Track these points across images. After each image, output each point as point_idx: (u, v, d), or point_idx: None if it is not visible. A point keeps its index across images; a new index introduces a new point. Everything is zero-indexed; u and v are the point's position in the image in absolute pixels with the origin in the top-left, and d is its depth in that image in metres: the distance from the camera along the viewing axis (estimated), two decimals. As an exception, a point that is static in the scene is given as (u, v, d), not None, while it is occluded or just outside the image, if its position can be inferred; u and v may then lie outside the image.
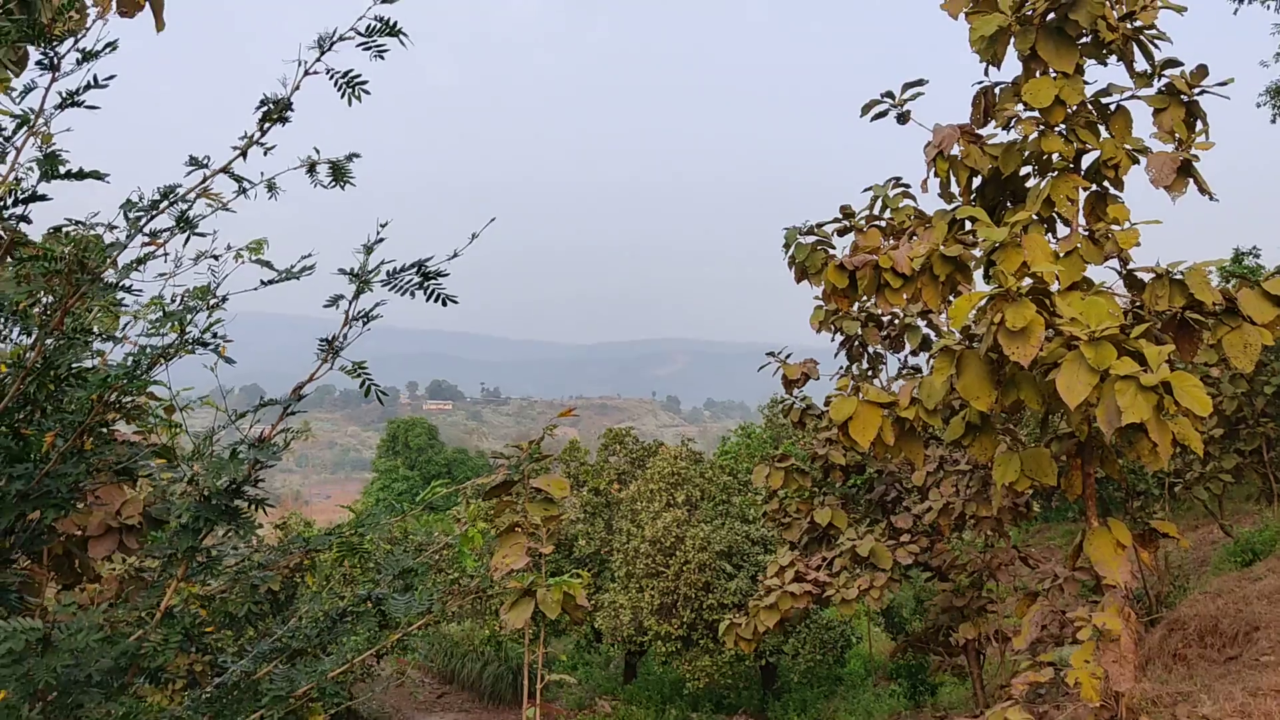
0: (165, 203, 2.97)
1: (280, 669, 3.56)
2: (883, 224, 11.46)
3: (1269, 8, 18.79)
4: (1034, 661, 9.84)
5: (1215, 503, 22.94)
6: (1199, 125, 9.50)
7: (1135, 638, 9.54)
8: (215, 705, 3.32)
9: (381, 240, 3.04)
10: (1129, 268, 9.57)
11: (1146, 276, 9.27)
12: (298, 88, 2.94)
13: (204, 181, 3.06)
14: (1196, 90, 9.42)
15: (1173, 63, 9.53)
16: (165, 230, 3.06)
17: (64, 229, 3.69)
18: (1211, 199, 9.25)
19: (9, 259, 3.44)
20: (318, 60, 2.90)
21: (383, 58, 2.96)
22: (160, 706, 3.54)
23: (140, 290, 3.08)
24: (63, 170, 2.94)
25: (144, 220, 2.95)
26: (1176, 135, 9.34)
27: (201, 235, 3.11)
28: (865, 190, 11.90)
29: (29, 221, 4.14)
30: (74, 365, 2.95)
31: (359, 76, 2.98)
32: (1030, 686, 9.86)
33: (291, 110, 2.98)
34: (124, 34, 3.16)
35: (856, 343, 15.83)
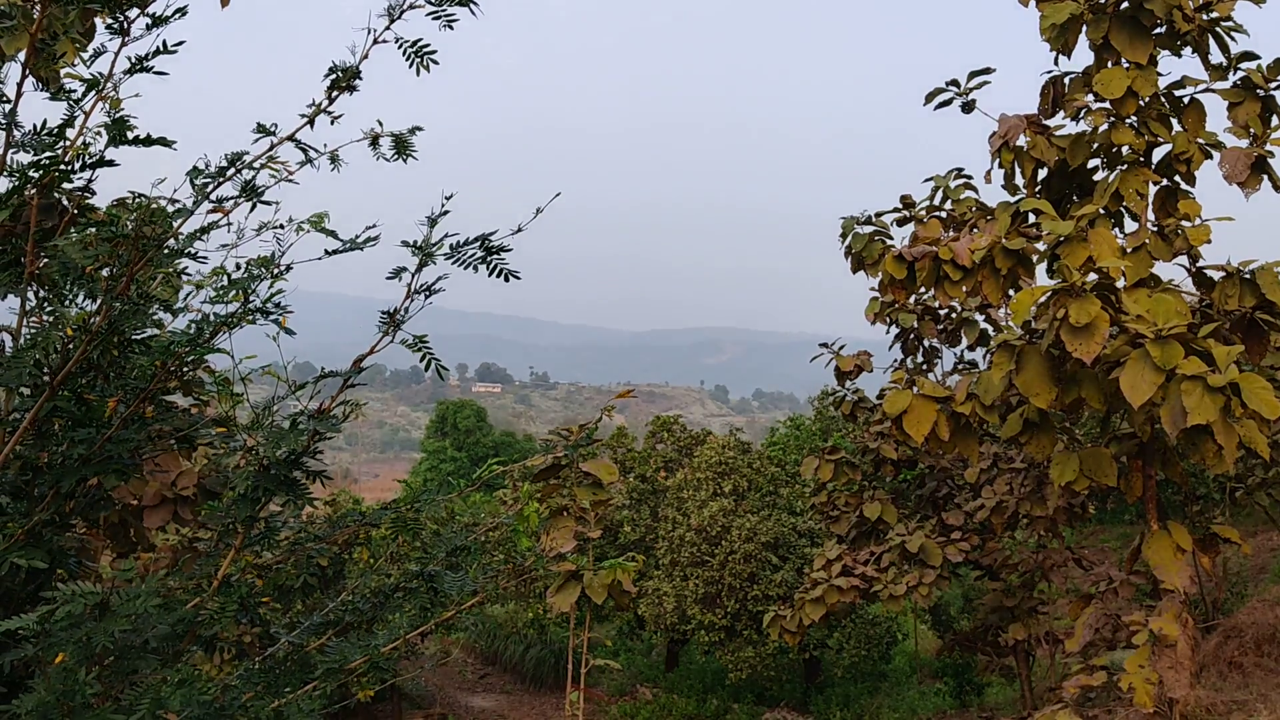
0: (232, 170, 2.96)
1: (332, 643, 3.56)
2: (943, 215, 11.29)
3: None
4: (1086, 664, 9.68)
5: (1277, 509, 22.39)
6: (1275, 120, 9.25)
7: (1192, 644, 9.34)
8: (267, 676, 3.33)
9: (446, 213, 3.01)
10: (1199, 265, 9.35)
11: (1216, 275, 9.05)
12: (366, 56, 2.92)
13: (271, 149, 3.05)
14: (1273, 85, 9.17)
15: (1249, 56, 9.28)
16: (231, 199, 3.06)
17: (127, 201, 3.71)
18: (1288, 196, 8.98)
19: (73, 226, 3.46)
20: (387, 28, 2.88)
21: (451, 27, 2.94)
22: (210, 676, 3.56)
23: (205, 258, 3.08)
24: (130, 136, 2.95)
25: (210, 187, 2.95)
26: (1251, 130, 9.10)
27: (267, 204, 3.10)
28: (926, 180, 11.72)
29: (94, 193, 4.18)
30: (138, 331, 2.97)
31: (428, 46, 2.95)
32: (1081, 690, 9.70)
33: (360, 79, 2.96)
34: (196, 11, 3.17)
35: (912, 336, 15.63)
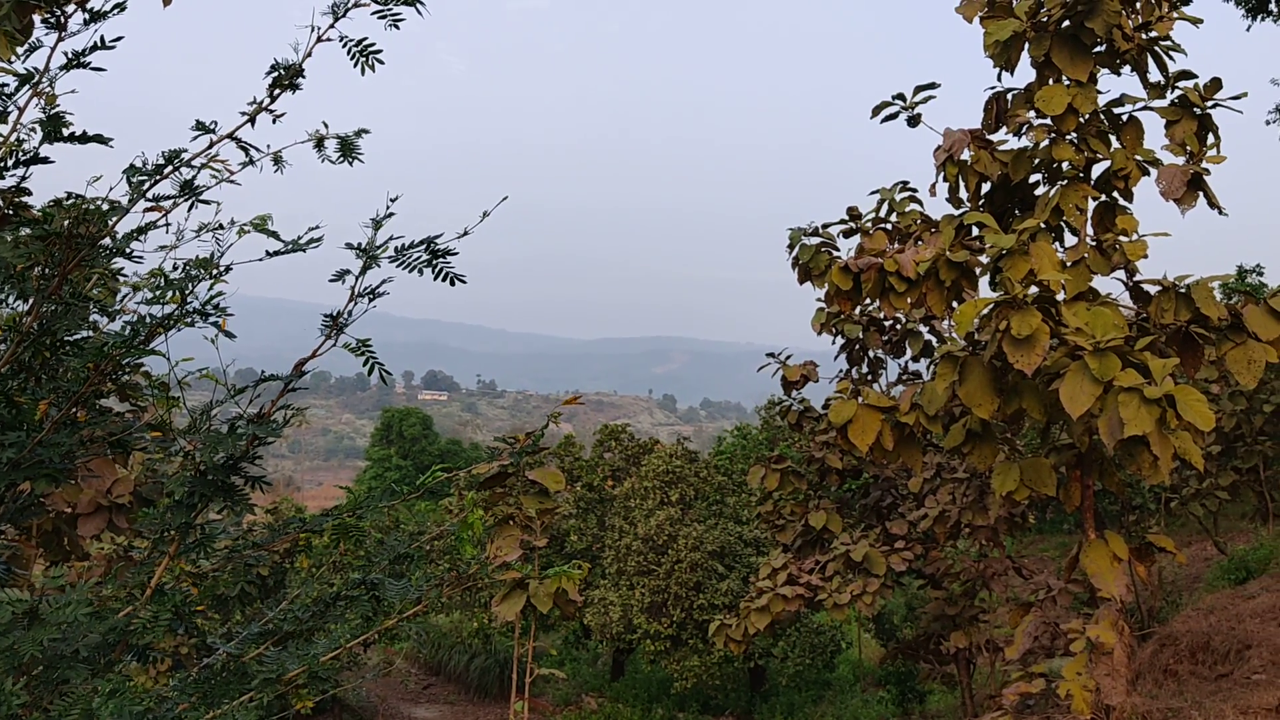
0: (170, 168, 2.90)
1: (270, 652, 3.49)
2: (889, 227, 11.42)
3: (1282, 26, 18.73)
4: (1025, 672, 9.80)
5: (1210, 519, 22.94)
6: (1210, 139, 9.46)
7: (1128, 652, 9.50)
8: (203, 686, 3.25)
9: (391, 215, 2.97)
10: (1135, 279, 9.53)
11: (1153, 289, 9.24)
12: (309, 54, 2.88)
13: (211, 146, 2.99)
14: (1209, 104, 9.37)
15: (1186, 75, 9.49)
16: (169, 198, 2.99)
17: (63, 201, 3.62)
18: (1221, 213, 9.20)
19: (6, 226, 3.37)
20: (331, 26, 2.84)
21: (398, 26, 2.90)
22: (144, 688, 3.47)
23: (141, 258, 3.01)
24: (66, 133, 2.88)
25: (148, 185, 2.88)
26: (1188, 148, 9.30)
27: (206, 204, 3.04)
28: (872, 193, 11.85)
29: (28, 192, 4.07)
30: (70, 333, 2.89)
31: (373, 45, 2.92)
32: (1020, 697, 9.82)
33: (303, 77, 2.91)
34: (137, 9, 3.10)
35: (857, 346, 15.78)
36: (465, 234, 2.89)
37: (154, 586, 3.02)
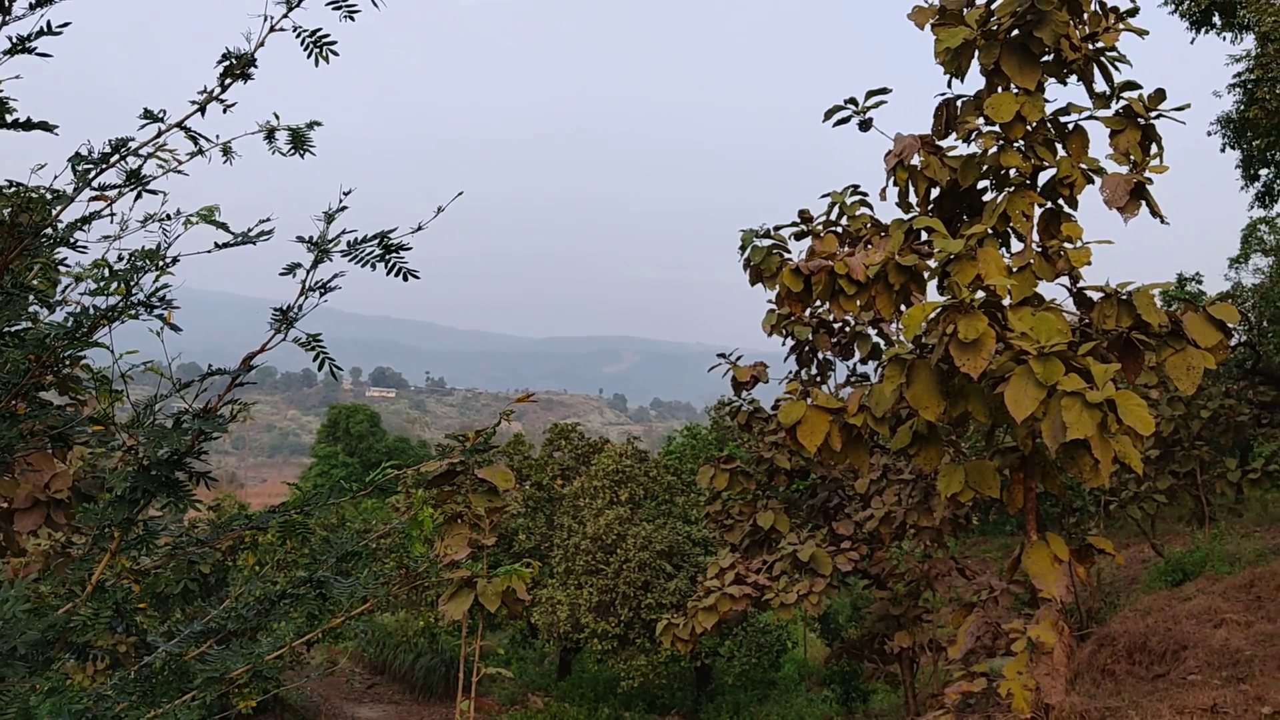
0: (116, 156, 2.84)
1: (213, 651, 3.44)
2: (839, 230, 11.51)
3: (1224, 39, 19.20)
4: (967, 671, 9.93)
5: (1148, 522, 23.42)
6: (1154, 149, 9.65)
7: (1067, 652, 9.67)
8: (143, 685, 3.19)
9: (344, 208, 2.94)
10: (1079, 286, 9.69)
11: (1096, 295, 9.40)
12: (262, 43, 2.83)
13: (159, 135, 2.93)
14: (1153, 114, 9.56)
15: (1131, 85, 9.67)
16: (114, 187, 2.93)
17: (4, 189, 3.53)
18: (1163, 222, 9.40)
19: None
20: (285, 15, 2.80)
21: (353, 18, 2.87)
22: (82, 686, 3.40)
23: (85, 248, 2.94)
24: (9, 119, 2.81)
25: (93, 173, 2.82)
26: (1131, 157, 9.48)
27: (153, 193, 2.98)
28: (823, 196, 11.94)
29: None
30: (10, 324, 2.82)
31: (327, 36, 2.88)
32: (962, 696, 9.95)
33: (255, 66, 2.87)
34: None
35: (807, 348, 15.89)
36: (420, 229, 2.87)
37: (95, 583, 2.96)
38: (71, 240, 2.86)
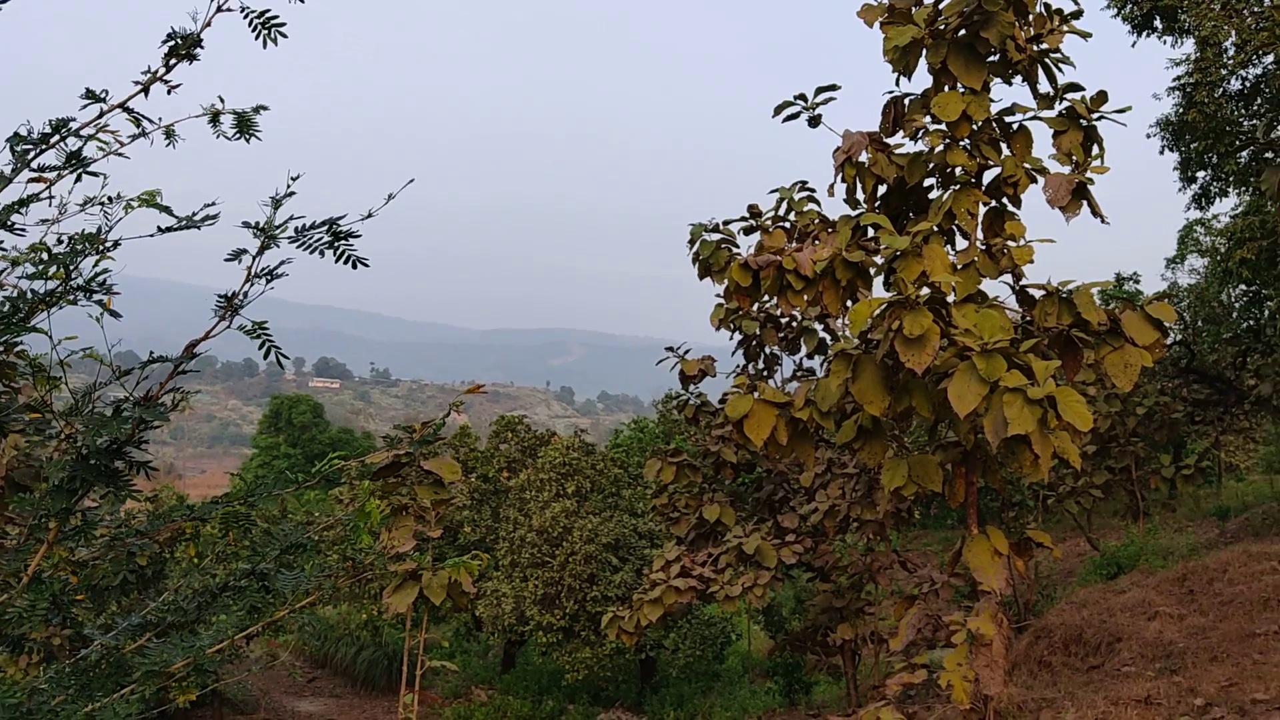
0: (56, 137, 2.76)
1: (152, 644, 3.37)
2: (788, 226, 11.57)
3: (1165, 43, 19.58)
4: (908, 663, 10.07)
5: (1084, 516, 23.92)
6: (1095, 150, 9.82)
7: (1006, 644, 9.83)
8: (80, 679, 3.12)
9: (292, 194, 2.89)
10: (1022, 284, 9.84)
11: (1038, 293, 9.54)
12: (209, 23, 2.78)
13: (101, 116, 2.85)
14: (1095, 115, 9.72)
15: (1074, 87, 9.82)
16: (54, 169, 2.85)
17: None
18: (1104, 221, 9.57)
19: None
20: (233, -5, 2.74)
21: (303, 1, 2.82)
22: (14, 679, 3.32)
23: (24, 231, 2.86)
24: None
25: (32, 154, 2.74)
26: (1074, 158, 9.63)
27: (94, 175, 2.90)
28: (771, 192, 11.99)
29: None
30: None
31: (276, 17, 2.82)
32: (903, 687, 10.10)
33: (201, 47, 2.81)
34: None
35: (754, 342, 15.99)
36: (370, 215, 2.83)
37: (31, 574, 2.89)
38: (9, 223, 2.78)
